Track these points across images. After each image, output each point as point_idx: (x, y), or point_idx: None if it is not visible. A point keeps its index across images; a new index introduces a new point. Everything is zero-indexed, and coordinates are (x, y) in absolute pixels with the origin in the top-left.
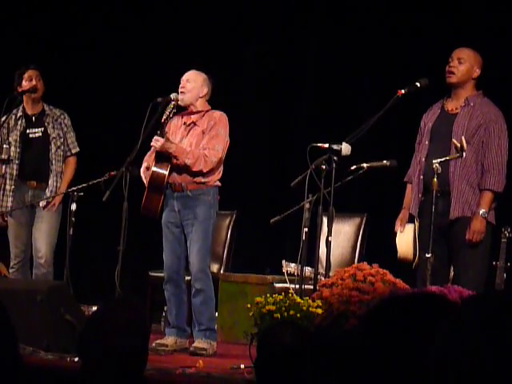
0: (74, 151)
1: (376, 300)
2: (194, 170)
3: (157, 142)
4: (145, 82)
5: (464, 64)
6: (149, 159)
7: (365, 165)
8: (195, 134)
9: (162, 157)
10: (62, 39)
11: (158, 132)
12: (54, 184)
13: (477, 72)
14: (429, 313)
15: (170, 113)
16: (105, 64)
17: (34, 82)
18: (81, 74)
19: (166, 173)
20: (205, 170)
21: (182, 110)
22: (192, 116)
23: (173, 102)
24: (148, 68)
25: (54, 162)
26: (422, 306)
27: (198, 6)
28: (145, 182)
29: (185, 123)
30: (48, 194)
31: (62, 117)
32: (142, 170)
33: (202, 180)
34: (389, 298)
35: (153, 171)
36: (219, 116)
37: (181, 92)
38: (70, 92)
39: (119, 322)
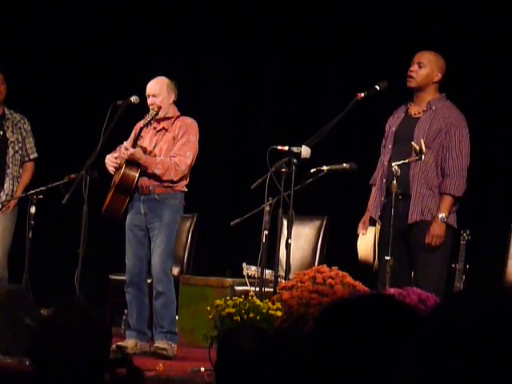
0: (32, 156)
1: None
2: (164, 179)
3: (126, 150)
4: (105, 85)
5: (424, 68)
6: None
7: (325, 167)
8: (165, 139)
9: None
10: (20, 42)
11: (134, 139)
12: (10, 187)
13: (438, 76)
14: (377, 315)
15: (151, 119)
16: (63, 66)
17: None
18: (39, 76)
19: (137, 175)
20: (175, 179)
21: (146, 113)
22: (162, 122)
23: (155, 109)
24: (108, 70)
25: (10, 165)
26: (370, 308)
27: (161, 11)
28: (109, 169)
29: (154, 128)
30: (3, 198)
31: (22, 121)
32: (109, 158)
33: (170, 184)
34: (337, 301)
35: (123, 172)
36: (190, 123)
37: (152, 109)
38: (29, 94)
39: (70, 329)
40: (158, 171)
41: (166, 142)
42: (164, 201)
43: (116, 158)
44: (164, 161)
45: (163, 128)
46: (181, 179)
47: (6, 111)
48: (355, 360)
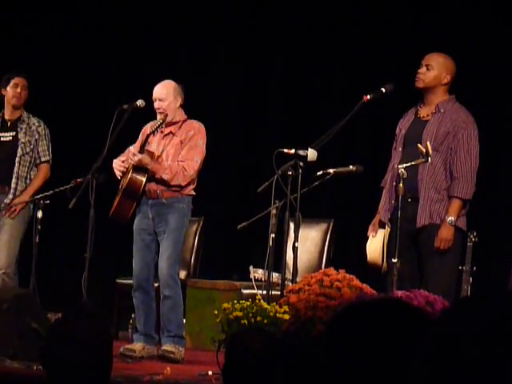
0: (43, 159)
1: (340, 306)
2: (172, 184)
3: (134, 156)
4: (111, 89)
5: (432, 71)
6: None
7: (331, 170)
8: (173, 143)
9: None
10: (24, 46)
11: (141, 145)
12: (14, 186)
13: (447, 78)
14: (389, 318)
15: (158, 126)
16: (68, 71)
17: (18, 90)
18: (44, 81)
19: (144, 179)
20: (183, 184)
21: (153, 117)
22: (169, 126)
23: (162, 117)
24: (114, 74)
25: (17, 165)
26: (382, 311)
27: (169, 15)
28: (117, 174)
29: (162, 132)
30: (10, 197)
31: (37, 124)
32: (116, 162)
33: (178, 189)
34: (350, 305)
35: (131, 177)
36: (198, 127)
37: (159, 113)
38: (36, 99)
39: (79, 332)
40: (165, 176)
41: (173, 146)
42: (172, 205)
43: (123, 161)
44: (172, 166)
45: (170, 132)
46: (189, 184)
47: (24, 114)
48: (366, 363)
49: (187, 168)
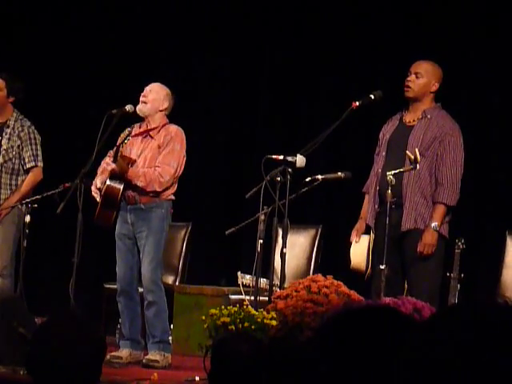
0: (28, 165)
1: (329, 312)
2: (148, 190)
3: (108, 166)
4: (99, 93)
5: (421, 78)
6: (101, 175)
7: (319, 177)
8: (150, 147)
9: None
10: (13, 49)
11: (113, 155)
12: None
13: (435, 86)
14: (380, 326)
15: (125, 139)
16: (57, 75)
17: None
18: (35, 84)
19: (121, 187)
20: (159, 190)
21: (140, 120)
22: (149, 129)
23: (128, 130)
24: (103, 79)
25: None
26: (374, 319)
27: (156, 17)
28: (97, 198)
29: (141, 135)
30: None
31: (20, 129)
32: (93, 188)
33: (155, 194)
34: (342, 311)
35: (107, 185)
36: (175, 131)
37: (142, 101)
38: (24, 103)
39: (63, 336)
40: (140, 184)
41: (150, 150)
42: (150, 210)
43: (98, 187)
44: (146, 173)
45: (149, 135)
46: (166, 189)
47: (12, 118)
48: (355, 370)
49: (163, 174)
